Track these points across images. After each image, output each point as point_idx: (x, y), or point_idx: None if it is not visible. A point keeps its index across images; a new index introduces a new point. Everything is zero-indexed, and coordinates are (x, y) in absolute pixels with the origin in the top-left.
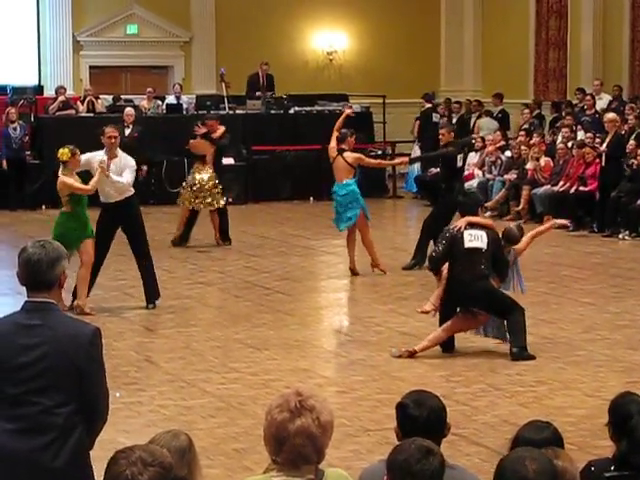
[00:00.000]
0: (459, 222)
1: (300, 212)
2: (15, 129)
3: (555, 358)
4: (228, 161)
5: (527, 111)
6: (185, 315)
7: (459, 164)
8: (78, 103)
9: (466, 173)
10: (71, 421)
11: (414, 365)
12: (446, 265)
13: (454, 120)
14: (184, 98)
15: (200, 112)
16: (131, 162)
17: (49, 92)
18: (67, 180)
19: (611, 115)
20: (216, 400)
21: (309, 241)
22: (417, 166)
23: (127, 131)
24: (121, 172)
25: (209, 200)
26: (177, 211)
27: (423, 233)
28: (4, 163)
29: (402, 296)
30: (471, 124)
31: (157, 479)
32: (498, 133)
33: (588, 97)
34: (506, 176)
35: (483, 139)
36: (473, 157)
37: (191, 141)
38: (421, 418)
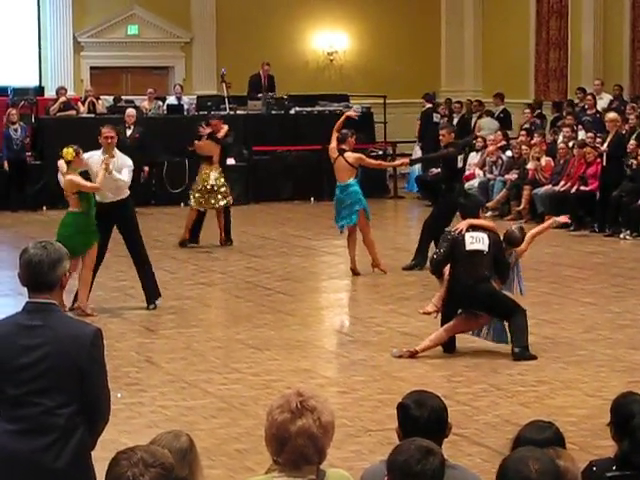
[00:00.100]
0: (460, 225)
1: (301, 212)
2: (16, 130)
3: (556, 358)
4: (229, 161)
5: (528, 111)
6: (186, 316)
7: (459, 165)
8: (79, 104)
9: (467, 173)
10: (72, 422)
11: (415, 365)
12: (448, 267)
13: (455, 120)
14: (185, 99)
15: (201, 113)
16: (128, 161)
17: (50, 93)
18: (75, 178)
19: (612, 115)
20: (217, 401)
21: (310, 241)
22: (418, 166)
23: (128, 132)
24: (119, 171)
25: (219, 200)
26: (178, 212)
27: (423, 234)
28: (5, 164)
29: (403, 296)
30: (472, 124)
31: None
32: (499, 133)
33: (589, 97)
34: (507, 176)
35: (484, 139)
36: (474, 157)
37: (197, 142)
38: (422, 418)
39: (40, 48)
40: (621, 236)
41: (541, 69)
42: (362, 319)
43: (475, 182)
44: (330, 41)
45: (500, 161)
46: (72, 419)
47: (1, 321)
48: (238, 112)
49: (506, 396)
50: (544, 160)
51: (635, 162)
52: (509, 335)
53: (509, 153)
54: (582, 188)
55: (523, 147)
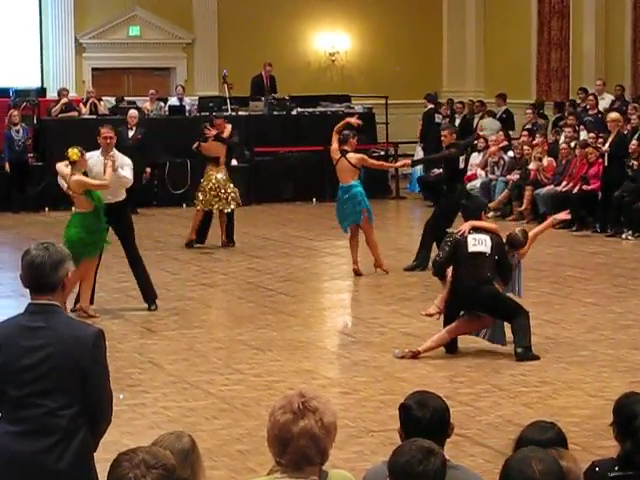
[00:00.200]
0: (463, 227)
1: (303, 213)
2: (18, 131)
3: (558, 358)
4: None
5: (530, 111)
6: (188, 317)
7: (461, 165)
8: (81, 105)
9: (469, 173)
10: (75, 423)
11: (417, 366)
12: (450, 269)
13: (457, 121)
14: (187, 100)
15: (203, 114)
16: (127, 160)
17: (52, 94)
18: (83, 178)
19: (614, 115)
20: (220, 402)
21: (312, 242)
22: (420, 167)
23: (130, 133)
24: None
25: (229, 203)
26: (180, 213)
27: (425, 234)
28: (7, 165)
29: (405, 297)
30: (474, 125)
31: None
32: (501, 133)
33: (590, 97)
34: (509, 176)
35: (486, 139)
36: (476, 157)
37: (203, 144)
38: (424, 419)
39: (42, 49)
40: (623, 236)
41: (543, 69)
42: (364, 320)
43: (477, 182)
44: (332, 42)
45: (502, 161)
46: (74, 420)
47: (3, 322)
48: (240, 113)
49: (508, 396)
50: (546, 160)
51: (636, 163)
52: (505, 336)
53: (511, 153)
54: (584, 187)
55: (525, 147)
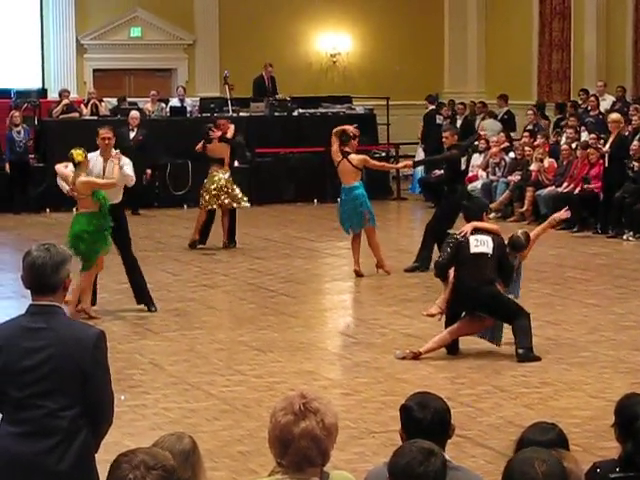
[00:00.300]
0: (465, 228)
1: (304, 214)
2: (19, 132)
3: (560, 359)
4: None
5: (531, 112)
6: (189, 318)
7: (463, 167)
8: (82, 106)
9: (470, 174)
10: (76, 424)
11: (419, 367)
12: (452, 269)
13: (458, 122)
14: (188, 101)
15: (204, 115)
16: (127, 160)
17: (53, 95)
18: (90, 178)
19: (615, 115)
20: (221, 403)
21: (313, 243)
22: (421, 168)
23: (132, 134)
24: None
25: (232, 200)
26: (181, 214)
27: (426, 236)
28: (8, 166)
29: (407, 298)
30: (476, 126)
31: None
32: (502, 134)
33: (592, 98)
34: (510, 177)
35: (487, 140)
36: (477, 158)
37: (208, 146)
38: (425, 420)
39: (43, 50)
40: (624, 237)
41: (544, 70)
42: (365, 321)
43: (478, 183)
44: (333, 43)
45: (503, 162)
46: (75, 422)
47: (4, 323)
48: (241, 114)
49: (510, 398)
50: (547, 161)
51: (637, 164)
52: (503, 337)
53: (512, 154)
54: (587, 187)
55: (526, 148)
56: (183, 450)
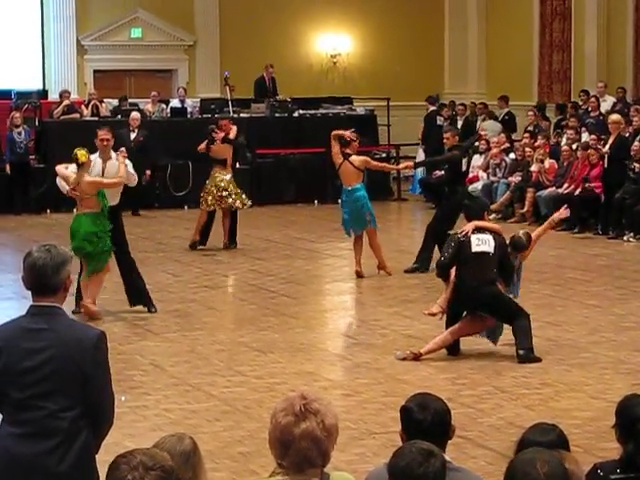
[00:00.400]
0: (466, 227)
1: (305, 215)
2: (20, 133)
3: (560, 360)
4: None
5: (531, 113)
6: (190, 319)
7: (463, 168)
8: (82, 107)
9: (471, 175)
10: (76, 425)
11: (419, 368)
12: (453, 269)
13: (459, 123)
14: (188, 102)
15: (204, 116)
16: (126, 160)
17: (53, 96)
18: (97, 178)
19: (615, 116)
20: (221, 404)
21: (314, 244)
22: (421, 169)
23: (132, 135)
24: (117, 172)
25: (233, 201)
26: (182, 215)
27: (427, 237)
28: (8, 167)
29: (407, 299)
30: (476, 127)
31: None
32: (502, 135)
33: (592, 99)
34: (510, 178)
35: (487, 141)
36: (477, 159)
37: (212, 146)
38: (425, 421)
39: (43, 51)
40: (625, 238)
41: (545, 71)
42: (366, 321)
43: (479, 184)
44: (333, 44)
45: (504, 163)
46: (76, 422)
47: (5, 324)
48: (242, 115)
49: (510, 398)
50: (548, 162)
51: (638, 165)
52: (501, 337)
53: (512, 155)
54: (588, 185)
55: (527, 149)
56: (184, 451)
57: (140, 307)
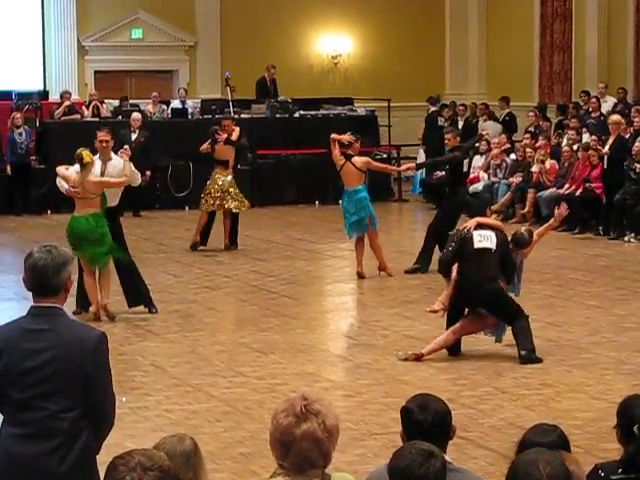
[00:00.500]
0: (469, 223)
1: (305, 216)
2: (20, 134)
3: (561, 361)
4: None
5: (532, 114)
6: (191, 319)
7: (465, 169)
8: (83, 108)
9: (471, 176)
10: (77, 426)
11: (420, 368)
12: (455, 265)
13: (460, 123)
14: (189, 102)
15: (205, 116)
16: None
17: (54, 97)
18: (103, 178)
19: (615, 117)
20: (222, 404)
21: (315, 245)
22: (422, 169)
23: (133, 136)
24: (118, 173)
25: (232, 203)
26: (182, 215)
27: (428, 237)
28: (9, 168)
29: (408, 299)
30: (477, 128)
31: None
32: (503, 136)
33: (593, 100)
34: (511, 179)
35: (488, 142)
36: (478, 160)
37: (216, 147)
38: (426, 422)
39: (44, 52)
40: (625, 239)
41: (545, 72)
42: (367, 322)
43: (480, 185)
44: (334, 45)
45: (504, 164)
46: (76, 423)
47: (6, 325)
48: (242, 116)
49: (511, 399)
50: (548, 163)
51: (638, 167)
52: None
53: (513, 156)
54: (589, 185)
55: (527, 150)
56: (184, 452)
57: (141, 308)
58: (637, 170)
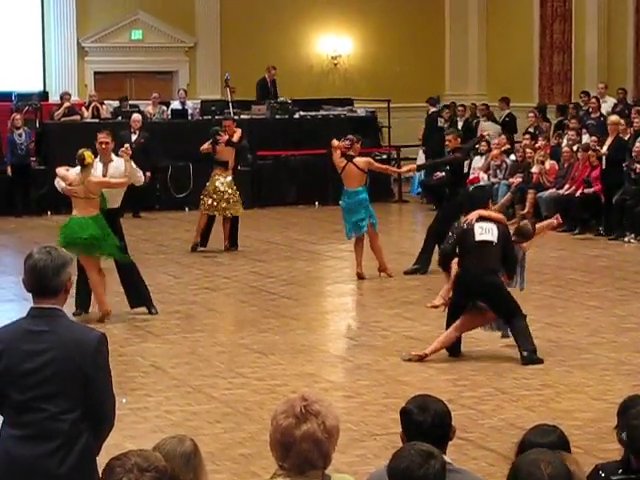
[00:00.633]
0: (470, 215)
1: (305, 217)
2: (20, 135)
3: (561, 361)
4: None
5: (532, 114)
6: (191, 320)
7: (465, 169)
8: (83, 109)
9: (471, 177)
10: (77, 427)
11: (420, 369)
12: (455, 260)
13: (460, 124)
14: (189, 103)
15: (205, 117)
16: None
17: (54, 98)
18: (104, 179)
19: (614, 118)
20: (222, 405)
21: (314, 246)
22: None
23: (134, 137)
24: (120, 174)
25: (229, 206)
26: (182, 216)
27: (428, 238)
28: (9, 169)
29: (408, 300)
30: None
31: None
32: (503, 136)
33: (593, 100)
34: (511, 179)
35: (488, 143)
36: (478, 161)
37: (217, 148)
38: (425, 423)
39: (44, 53)
40: (625, 239)
41: (545, 73)
42: (367, 323)
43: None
44: (334, 45)
45: (504, 165)
46: (76, 425)
47: (6, 326)
48: (242, 117)
49: (511, 400)
50: (548, 164)
51: (638, 167)
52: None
53: (513, 157)
54: (586, 191)
55: (527, 151)
56: (184, 453)
57: (141, 309)
58: (637, 170)
